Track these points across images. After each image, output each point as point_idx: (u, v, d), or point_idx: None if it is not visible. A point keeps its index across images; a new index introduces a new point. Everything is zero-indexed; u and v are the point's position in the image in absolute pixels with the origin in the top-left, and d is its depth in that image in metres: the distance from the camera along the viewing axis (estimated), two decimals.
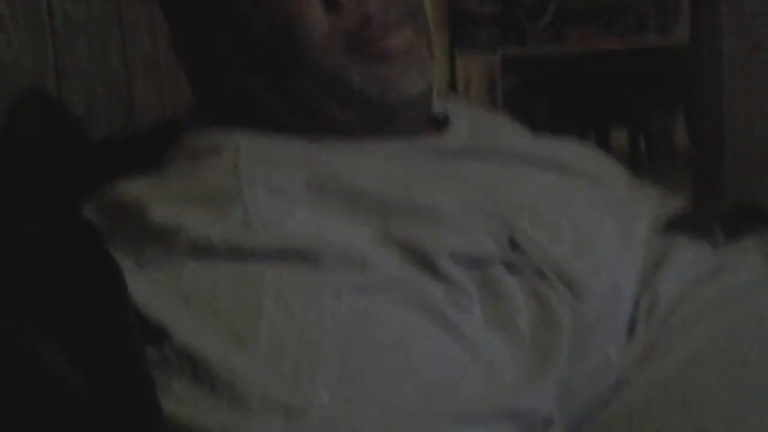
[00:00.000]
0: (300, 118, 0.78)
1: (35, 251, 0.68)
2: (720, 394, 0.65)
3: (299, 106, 0.77)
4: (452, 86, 4.30)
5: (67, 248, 0.67)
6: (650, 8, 4.84)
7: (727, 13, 2.43)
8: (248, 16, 0.75)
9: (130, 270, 0.66)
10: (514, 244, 0.72)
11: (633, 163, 4.45)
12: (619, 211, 0.81)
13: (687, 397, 0.66)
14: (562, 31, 4.74)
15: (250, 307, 0.61)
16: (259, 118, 0.78)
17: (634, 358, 0.71)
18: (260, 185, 0.68)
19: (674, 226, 0.83)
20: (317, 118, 0.77)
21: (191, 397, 0.59)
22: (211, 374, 0.59)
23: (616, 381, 0.69)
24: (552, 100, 4.64)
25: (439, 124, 0.87)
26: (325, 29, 0.74)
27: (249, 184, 0.69)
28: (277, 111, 0.78)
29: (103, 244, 0.68)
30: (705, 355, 0.69)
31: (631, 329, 0.73)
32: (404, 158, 0.77)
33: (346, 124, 0.77)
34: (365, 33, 0.74)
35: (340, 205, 0.69)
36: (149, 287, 0.64)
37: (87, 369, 0.61)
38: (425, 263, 0.67)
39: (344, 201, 0.69)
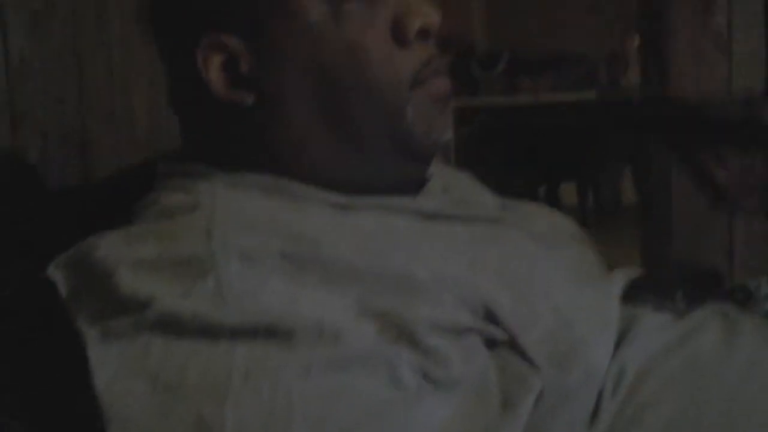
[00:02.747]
0: (336, 150, 0.78)
1: None
2: None
3: (346, 136, 0.78)
4: None
5: (24, 314, 0.65)
6: (600, 61, 4.93)
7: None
8: (321, 36, 0.75)
9: (95, 341, 0.63)
10: (490, 316, 0.72)
11: (582, 217, 4.50)
12: (595, 283, 0.81)
13: None
14: (514, 82, 4.80)
15: (218, 388, 0.59)
16: (289, 148, 0.77)
17: None
18: (233, 253, 0.67)
19: (637, 292, 0.83)
20: (355, 152, 0.78)
21: None
22: None
23: None
24: (504, 152, 4.68)
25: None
26: (394, 63, 0.77)
27: (222, 251, 0.67)
28: (315, 138, 0.77)
29: (65, 310, 0.66)
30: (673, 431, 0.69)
31: (595, 411, 0.73)
32: (384, 222, 0.76)
33: (381, 163, 0.79)
34: (426, 71, 0.79)
35: (315, 275, 0.68)
36: (114, 364, 0.62)
37: None
38: (403, 334, 0.66)
39: (319, 271, 0.68)
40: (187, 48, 0.77)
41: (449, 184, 0.89)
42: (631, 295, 0.84)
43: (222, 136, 0.79)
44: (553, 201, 4.81)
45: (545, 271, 0.79)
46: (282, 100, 0.76)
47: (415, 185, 0.84)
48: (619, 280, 0.85)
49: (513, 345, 0.72)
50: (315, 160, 0.77)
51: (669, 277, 0.90)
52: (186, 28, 0.78)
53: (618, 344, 0.77)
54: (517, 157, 4.70)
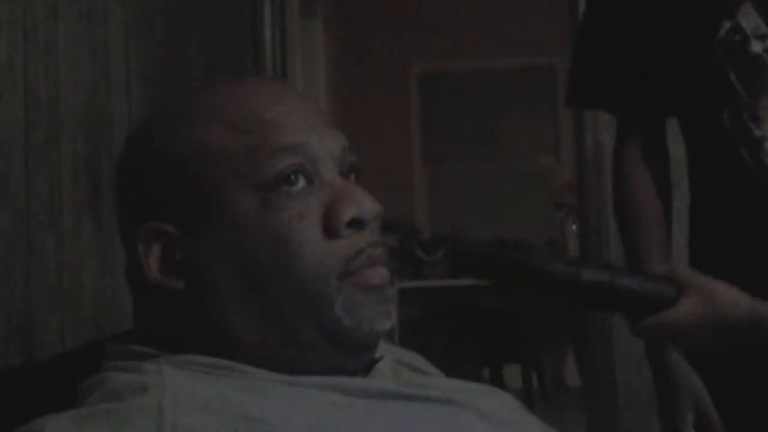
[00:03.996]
0: (268, 338, 0.77)
1: None
2: None
3: (274, 325, 0.77)
4: None
5: None
6: (541, 245, 5.04)
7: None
8: (249, 227, 0.76)
9: None
10: None
11: (527, 399, 4.48)
12: None
13: None
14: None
15: None
16: (223, 335, 0.77)
17: None
18: None
19: None
20: (287, 341, 0.77)
21: None
22: None
23: None
24: (448, 334, 4.70)
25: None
26: (322, 254, 0.77)
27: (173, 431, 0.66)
28: (247, 326, 0.77)
29: None
30: None
31: None
32: (333, 401, 0.75)
33: (312, 353, 0.78)
34: (357, 262, 0.78)
35: None
36: None
37: None
38: None
39: None
40: (131, 233, 0.80)
41: (399, 365, 0.89)
42: None
43: (164, 319, 0.80)
44: (498, 383, 4.80)
45: None
46: (210, 287, 0.77)
47: (361, 368, 0.83)
48: None
49: None
50: (247, 346, 0.77)
51: None
52: (130, 215, 0.82)
53: None
54: (460, 339, 4.71)
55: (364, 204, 0.79)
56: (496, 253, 0.94)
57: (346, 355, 0.79)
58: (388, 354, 0.89)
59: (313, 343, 0.77)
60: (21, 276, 1.12)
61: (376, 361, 0.85)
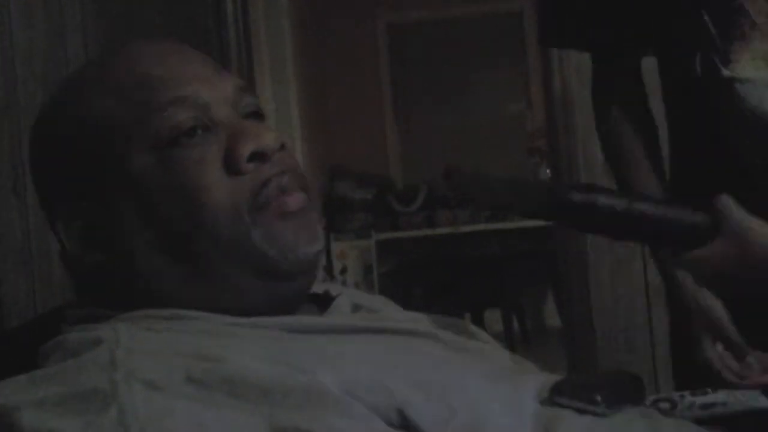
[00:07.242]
0: (200, 288, 0.79)
1: None
2: None
3: (200, 273, 0.79)
4: (329, 271, 4.34)
5: None
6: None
7: None
8: (151, 185, 0.78)
9: None
10: (405, 421, 0.71)
11: (508, 342, 4.53)
12: (509, 381, 0.82)
13: None
14: (432, 216, 4.89)
15: None
16: (158, 295, 0.78)
17: None
18: (138, 381, 0.67)
19: (557, 395, 0.84)
20: (218, 285, 0.79)
21: None
22: None
23: None
24: (427, 283, 4.73)
25: (323, 303, 0.88)
26: (227, 192, 0.78)
27: (126, 380, 0.67)
28: (176, 282, 0.79)
29: None
30: None
31: None
32: (288, 337, 0.77)
33: (245, 289, 0.79)
34: (264, 193, 0.79)
35: (223, 396, 0.67)
36: None
37: None
38: None
39: (227, 390, 0.68)
40: (51, 216, 0.83)
41: (361, 303, 0.90)
42: (553, 400, 0.85)
43: (103, 290, 0.82)
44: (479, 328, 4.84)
45: (458, 371, 0.80)
46: (133, 254, 0.79)
47: (301, 301, 0.84)
48: (535, 379, 0.86)
49: None
50: (186, 302, 0.78)
51: (589, 382, 0.90)
52: (47, 199, 0.84)
53: None
54: (439, 287, 4.75)
55: (264, 137, 0.80)
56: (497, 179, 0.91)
57: (279, 284, 0.81)
58: (351, 295, 0.91)
59: (245, 282, 0.79)
60: None
61: (333, 298, 0.86)
